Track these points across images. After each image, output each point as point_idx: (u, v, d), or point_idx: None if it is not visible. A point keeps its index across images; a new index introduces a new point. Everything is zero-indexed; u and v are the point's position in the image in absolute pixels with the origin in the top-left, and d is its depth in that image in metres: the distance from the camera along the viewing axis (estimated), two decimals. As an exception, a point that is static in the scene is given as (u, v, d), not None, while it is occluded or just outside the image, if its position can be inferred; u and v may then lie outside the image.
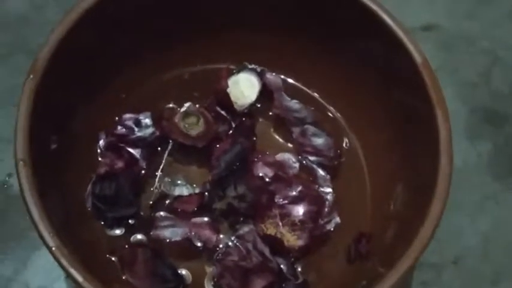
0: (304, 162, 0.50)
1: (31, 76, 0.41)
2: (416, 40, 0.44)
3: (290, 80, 0.52)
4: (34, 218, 0.38)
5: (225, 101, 0.50)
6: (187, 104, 0.50)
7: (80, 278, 0.37)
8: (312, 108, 0.51)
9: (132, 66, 0.49)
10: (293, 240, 0.47)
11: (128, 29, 0.48)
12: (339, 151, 0.50)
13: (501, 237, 0.52)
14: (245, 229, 0.47)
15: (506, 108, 0.57)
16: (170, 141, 0.50)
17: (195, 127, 0.49)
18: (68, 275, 0.37)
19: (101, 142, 0.49)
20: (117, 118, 0.50)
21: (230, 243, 0.47)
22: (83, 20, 0.44)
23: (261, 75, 0.52)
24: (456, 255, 0.51)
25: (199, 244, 0.47)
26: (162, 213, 0.47)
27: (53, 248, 0.37)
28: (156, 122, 0.50)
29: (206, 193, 0.48)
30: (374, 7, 0.44)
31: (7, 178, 0.51)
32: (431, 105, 0.41)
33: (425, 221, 0.39)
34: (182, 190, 0.49)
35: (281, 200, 0.48)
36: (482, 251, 0.52)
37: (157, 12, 0.48)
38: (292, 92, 0.51)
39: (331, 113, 0.51)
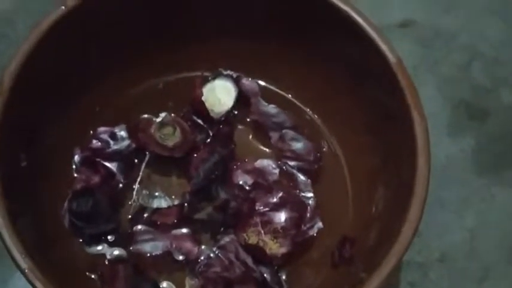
0: (284, 167, 0.49)
1: (-3, 95, 0.41)
2: (389, 40, 0.43)
3: (266, 85, 0.51)
4: (5, 240, 0.37)
5: (200, 109, 0.50)
6: (162, 114, 0.49)
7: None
8: (290, 112, 0.50)
9: (104, 78, 0.49)
10: (276, 247, 0.46)
11: (98, 42, 0.47)
12: (318, 154, 0.49)
13: (487, 233, 0.51)
14: (226, 239, 0.46)
15: (487, 102, 0.56)
16: (147, 153, 0.49)
17: (171, 137, 0.49)
18: (43, 298, 0.37)
19: (76, 157, 0.48)
20: (91, 132, 0.49)
21: (212, 255, 0.46)
22: (48, 36, 0.43)
23: (236, 81, 0.51)
24: (442, 253, 0.51)
25: (180, 258, 0.46)
26: (141, 227, 0.47)
27: (26, 270, 0.37)
28: (131, 134, 0.49)
29: (186, 204, 0.47)
30: (346, 8, 0.44)
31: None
32: (407, 105, 0.41)
33: (405, 223, 0.38)
34: (161, 202, 0.48)
35: (262, 207, 0.47)
36: (469, 248, 0.51)
37: (128, 24, 0.47)
38: (269, 96, 0.51)
39: (309, 115, 0.51)
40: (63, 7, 0.43)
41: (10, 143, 0.41)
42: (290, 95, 0.51)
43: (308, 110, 0.51)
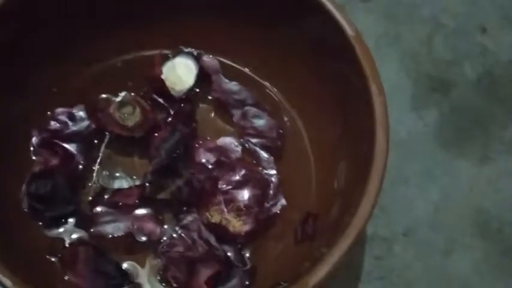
0: (246, 145, 0.49)
1: None
2: (348, 13, 0.43)
3: (226, 61, 0.51)
4: (-42, 224, 0.37)
5: (160, 88, 0.49)
6: (122, 94, 0.49)
7: (8, 283, 0.35)
8: (252, 89, 0.50)
9: (61, 58, 0.48)
10: (239, 225, 0.46)
11: (55, 18, 0.46)
12: (281, 131, 0.49)
13: (451, 206, 0.52)
14: (189, 218, 0.46)
15: (450, 75, 0.56)
16: (107, 133, 0.48)
17: (131, 117, 0.48)
18: (-3, 282, 0.36)
19: (34, 139, 0.47)
20: (49, 113, 0.48)
21: (174, 235, 0.45)
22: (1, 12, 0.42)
23: (197, 59, 0.50)
24: (407, 227, 0.51)
25: (143, 238, 0.45)
26: (102, 208, 0.46)
27: (-20, 255, 0.36)
28: (90, 114, 0.48)
29: (147, 184, 0.47)
30: (303, -19, 0.43)
31: None
32: (365, 78, 0.40)
33: (364, 196, 0.38)
34: (122, 183, 0.47)
35: (225, 185, 0.47)
36: (433, 221, 0.51)
37: (85, 0, 0.46)
38: (230, 72, 0.50)
39: (270, 90, 0.50)
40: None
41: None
42: (248, 70, 0.50)
43: (268, 84, 0.50)
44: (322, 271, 0.36)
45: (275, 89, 0.50)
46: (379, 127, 0.39)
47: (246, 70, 0.50)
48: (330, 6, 0.42)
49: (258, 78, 0.50)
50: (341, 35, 0.42)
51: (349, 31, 0.41)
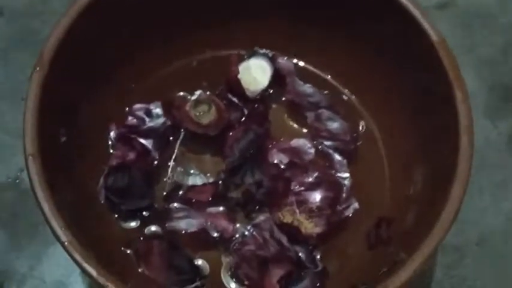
0: (319, 147, 0.49)
1: (37, 69, 0.41)
2: (432, 19, 0.42)
3: (302, 64, 0.51)
4: (45, 213, 0.38)
5: (236, 87, 0.49)
6: (198, 92, 0.49)
7: (94, 273, 0.36)
8: (326, 91, 0.50)
9: (140, 55, 0.49)
10: (311, 227, 0.46)
11: (135, 18, 0.47)
12: (355, 135, 0.49)
13: (525, 217, 0.51)
14: (261, 218, 0.46)
15: (526, 85, 0.55)
16: (182, 130, 0.49)
17: (206, 115, 0.48)
18: (82, 270, 0.37)
19: (112, 134, 0.48)
20: (127, 109, 0.49)
21: (246, 233, 0.46)
22: (86, 11, 0.43)
23: (272, 60, 0.51)
24: (479, 237, 0.50)
25: (215, 234, 0.46)
26: (176, 204, 0.47)
27: (66, 243, 0.37)
28: (166, 111, 0.49)
29: (220, 182, 0.47)
30: (387, -14, 0.43)
31: (19, 173, 0.51)
32: (450, 85, 0.40)
33: (447, 204, 0.37)
34: (196, 180, 0.48)
35: (297, 186, 0.47)
36: (506, 231, 0.50)
37: (165, 1, 0.47)
38: (305, 75, 0.50)
39: (346, 95, 0.50)
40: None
41: (51, 117, 0.41)
42: (328, 75, 0.50)
43: (346, 90, 0.50)
44: (403, 276, 0.36)
45: (353, 96, 0.50)
46: (464, 134, 0.39)
47: (324, 75, 0.50)
48: (414, 11, 0.42)
49: (335, 84, 0.50)
50: (425, 41, 0.41)
51: (433, 36, 0.41)
